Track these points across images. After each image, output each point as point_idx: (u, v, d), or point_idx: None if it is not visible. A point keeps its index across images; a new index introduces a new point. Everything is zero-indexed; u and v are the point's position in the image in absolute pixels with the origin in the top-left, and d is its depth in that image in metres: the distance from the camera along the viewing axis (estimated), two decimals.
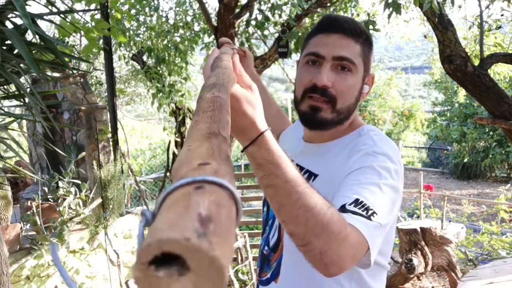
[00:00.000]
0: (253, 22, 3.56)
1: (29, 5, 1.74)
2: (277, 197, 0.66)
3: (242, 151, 0.70)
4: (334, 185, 0.82)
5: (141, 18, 4.26)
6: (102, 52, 3.97)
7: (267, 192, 0.67)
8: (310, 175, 0.94)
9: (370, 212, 0.72)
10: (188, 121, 4.35)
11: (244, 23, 3.60)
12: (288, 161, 0.67)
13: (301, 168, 0.96)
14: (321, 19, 0.94)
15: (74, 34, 2.38)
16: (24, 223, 2.89)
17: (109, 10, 3.10)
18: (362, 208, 0.72)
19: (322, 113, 0.88)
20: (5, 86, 1.72)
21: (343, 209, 0.72)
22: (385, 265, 0.92)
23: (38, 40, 1.58)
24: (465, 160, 10.07)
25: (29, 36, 2.10)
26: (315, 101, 0.88)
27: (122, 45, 4.26)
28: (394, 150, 0.86)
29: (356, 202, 0.73)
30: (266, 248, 1.01)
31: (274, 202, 0.67)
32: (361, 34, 0.91)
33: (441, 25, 2.85)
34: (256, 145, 0.64)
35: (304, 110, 0.90)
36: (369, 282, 0.89)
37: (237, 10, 3.28)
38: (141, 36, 4.28)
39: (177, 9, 4.46)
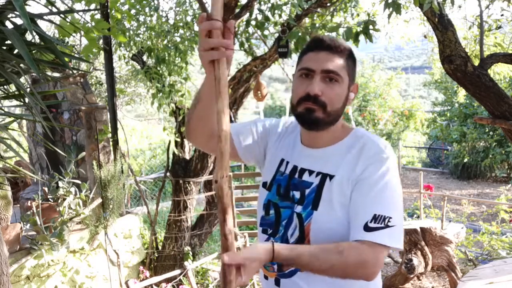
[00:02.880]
0: (253, 22, 3.56)
1: (29, 5, 1.74)
2: (308, 268, 0.97)
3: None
4: (348, 183, 1.04)
5: (141, 18, 4.26)
6: (102, 52, 3.97)
7: (300, 267, 1.01)
8: (325, 176, 1.09)
9: (387, 220, 0.98)
10: None
11: (244, 23, 3.60)
12: (300, 247, 0.99)
13: (310, 172, 1.13)
14: (310, 40, 1.12)
15: (74, 34, 2.38)
16: (24, 223, 2.89)
17: (109, 10, 3.10)
18: (380, 221, 0.98)
19: (315, 113, 1.05)
20: (5, 86, 1.72)
21: (366, 227, 0.98)
22: None
23: (38, 40, 1.58)
24: (465, 160, 10.07)
25: (29, 36, 2.10)
26: (309, 105, 1.06)
27: (122, 45, 4.25)
28: (389, 148, 1.08)
29: (375, 218, 0.98)
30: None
31: (308, 270, 0.98)
32: (344, 50, 1.08)
33: (441, 25, 2.85)
34: (276, 259, 0.95)
35: (300, 111, 1.08)
36: None
37: (237, 10, 3.27)
38: (141, 36, 4.27)
39: (177, 9, 4.46)
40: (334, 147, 1.12)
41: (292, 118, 1.24)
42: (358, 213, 1.01)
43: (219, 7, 0.87)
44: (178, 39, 4.27)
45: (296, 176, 1.14)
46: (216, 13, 0.87)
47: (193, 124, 1.13)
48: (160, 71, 4.12)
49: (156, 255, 3.98)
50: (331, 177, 1.08)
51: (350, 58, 1.09)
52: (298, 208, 1.10)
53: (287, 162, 1.18)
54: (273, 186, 1.18)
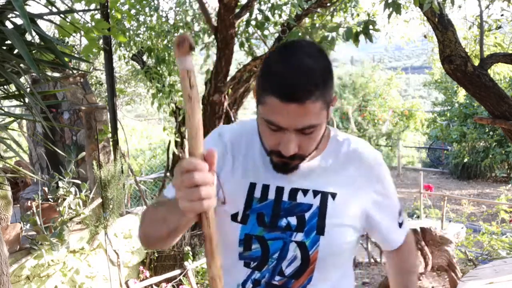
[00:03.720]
0: (253, 22, 3.56)
1: (29, 5, 1.74)
2: None
3: None
4: (356, 201, 0.98)
5: (141, 18, 4.26)
6: (102, 52, 3.97)
7: None
8: (326, 195, 0.95)
9: (401, 205, 1.08)
10: None
11: (244, 23, 3.60)
12: None
13: (304, 191, 0.96)
14: (275, 82, 0.83)
15: (74, 34, 2.38)
16: (24, 223, 2.89)
17: (109, 10, 3.10)
18: (402, 212, 1.08)
19: (292, 164, 0.91)
20: (5, 86, 1.72)
21: (400, 225, 1.08)
22: None
23: (38, 40, 1.58)
24: (465, 160, 10.08)
25: (29, 36, 2.10)
26: (285, 160, 0.90)
27: (122, 45, 4.26)
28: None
29: (399, 213, 1.08)
30: (277, 278, 0.96)
31: None
32: (317, 84, 0.82)
33: (441, 25, 2.85)
34: None
35: (276, 162, 0.92)
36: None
37: (237, 10, 3.27)
38: (141, 36, 4.27)
39: (177, 9, 4.46)
40: (320, 159, 0.98)
41: (233, 128, 1.06)
42: (392, 223, 1.07)
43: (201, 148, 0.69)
44: None
45: (286, 199, 0.96)
46: (200, 155, 0.69)
47: (154, 245, 1.01)
48: (160, 71, 4.12)
49: (156, 255, 3.98)
50: (333, 195, 0.96)
51: (325, 85, 0.84)
52: (299, 236, 0.94)
53: (265, 186, 0.97)
54: (249, 217, 0.96)
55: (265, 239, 0.95)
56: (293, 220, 0.95)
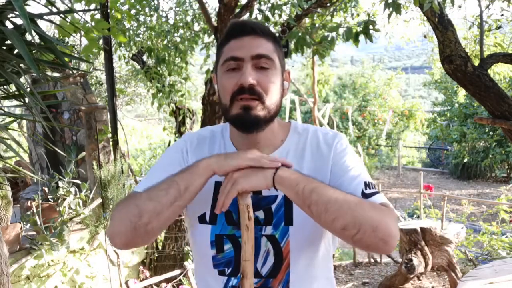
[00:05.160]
0: None
1: (29, 5, 1.74)
2: (322, 198, 0.81)
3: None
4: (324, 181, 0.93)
5: (141, 18, 4.26)
6: (102, 52, 3.97)
7: (312, 198, 0.82)
8: None
9: (375, 186, 0.91)
10: (188, 121, 4.35)
11: None
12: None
13: None
14: (229, 27, 0.96)
15: (74, 34, 2.38)
16: (24, 223, 2.89)
17: (109, 10, 3.10)
18: (372, 186, 0.90)
19: (254, 111, 0.90)
20: (5, 86, 1.72)
21: (364, 194, 0.88)
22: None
23: (38, 40, 1.58)
24: (465, 160, 10.08)
25: (29, 36, 2.10)
26: (245, 101, 0.90)
27: (122, 45, 4.26)
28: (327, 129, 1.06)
29: (366, 184, 0.90)
30: (254, 280, 0.93)
31: (320, 204, 0.81)
32: (269, 33, 0.95)
33: (441, 25, 2.85)
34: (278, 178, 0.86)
35: (237, 113, 0.91)
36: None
37: (237, 10, 3.27)
38: (141, 36, 4.27)
39: (177, 9, 4.46)
40: (281, 150, 0.98)
41: (198, 133, 1.06)
42: (348, 187, 0.90)
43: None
44: (178, 39, 4.28)
45: (251, 193, 0.92)
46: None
47: (146, 224, 0.84)
48: (160, 71, 4.12)
49: (156, 255, 3.98)
50: None
51: (277, 42, 0.96)
52: (268, 230, 0.93)
53: None
54: (217, 217, 0.95)
55: (237, 237, 0.94)
56: (260, 214, 0.94)
